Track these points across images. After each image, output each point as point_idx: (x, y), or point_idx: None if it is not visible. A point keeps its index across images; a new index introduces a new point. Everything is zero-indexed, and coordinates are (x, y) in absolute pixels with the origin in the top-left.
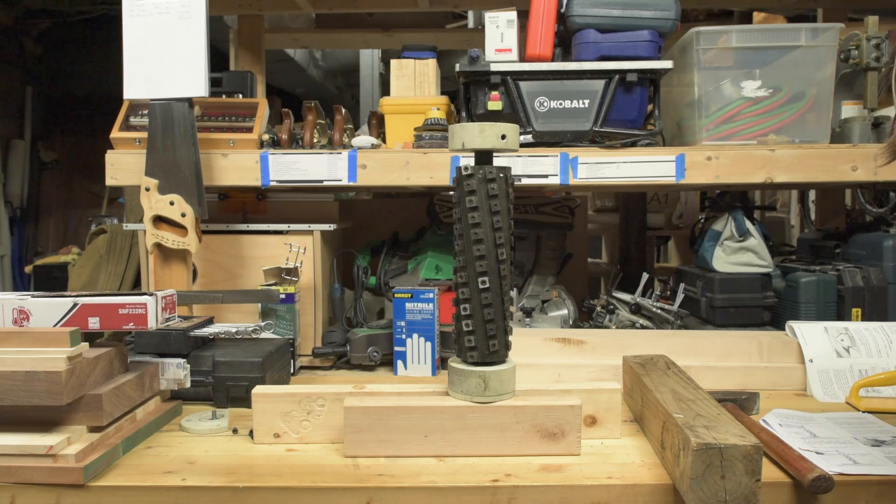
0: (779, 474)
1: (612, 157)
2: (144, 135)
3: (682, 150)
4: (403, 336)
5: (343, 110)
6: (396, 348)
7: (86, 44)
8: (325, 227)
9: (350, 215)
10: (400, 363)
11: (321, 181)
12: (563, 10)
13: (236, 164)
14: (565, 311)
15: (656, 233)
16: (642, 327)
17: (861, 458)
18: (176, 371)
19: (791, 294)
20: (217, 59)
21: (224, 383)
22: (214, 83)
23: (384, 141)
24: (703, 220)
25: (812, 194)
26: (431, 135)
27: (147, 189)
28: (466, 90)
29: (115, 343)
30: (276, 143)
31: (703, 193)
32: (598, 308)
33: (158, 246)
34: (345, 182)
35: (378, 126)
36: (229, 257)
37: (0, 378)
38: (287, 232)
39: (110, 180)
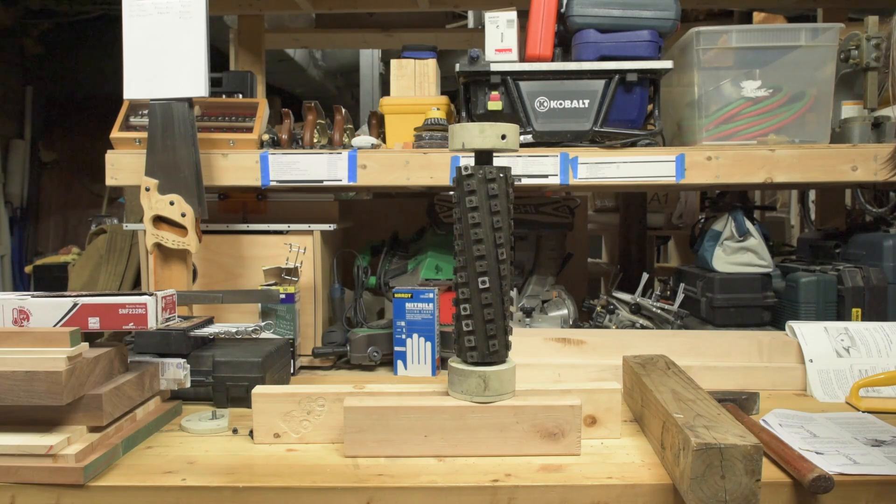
0: (779, 474)
1: (612, 157)
2: (144, 135)
3: (682, 150)
4: (403, 336)
5: (343, 110)
6: (396, 348)
7: (86, 44)
8: (325, 227)
9: (350, 215)
10: (400, 363)
11: (321, 181)
12: (563, 10)
13: (236, 164)
14: (565, 311)
15: (656, 233)
16: (642, 327)
17: (861, 458)
18: (176, 371)
19: (791, 294)
20: (217, 59)
21: (224, 383)
22: (214, 83)
23: (384, 141)
24: (703, 220)
25: (812, 194)
26: (431, 135)
27: (147, 189)
28: (466, 90)
29: (115, 343)
30: (276, 143)
31: (703, 193)
32: (598, 308)
33: (158, 246)
34: (345, 182)
35: (378, 126)
36: (229, 257)
37: (0, 378)
38: (287, 232)
39: (110, 180)
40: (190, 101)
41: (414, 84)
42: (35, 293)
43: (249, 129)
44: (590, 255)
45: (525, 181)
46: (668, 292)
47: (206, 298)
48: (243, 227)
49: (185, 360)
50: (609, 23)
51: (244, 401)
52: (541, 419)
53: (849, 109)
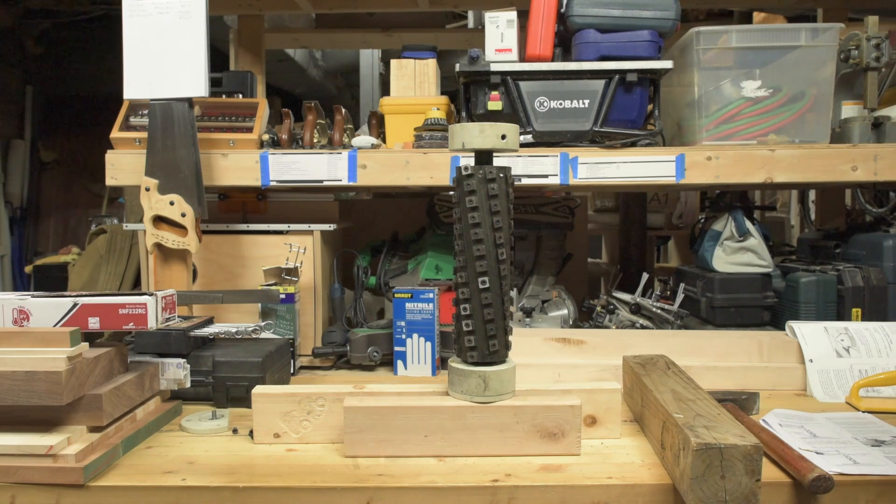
0: (779, 474)
1: (612, 157)
2: (144, 135)
3: (682, 150)
4: (403, 336)
5: (343, 110)
6: (396, 348)
7: (86, 44)
8: (325, 227)
9: (350, 215)
10: (400, 363)
11: (321, 181)
12: (563, 10)
13: (236, 164)
14: (565, 311)
15: (656, 233)
16: (642, 327)
17: (861, 458)
18: (176, 371)
19: (791, 294)
20: (217, 59)
21: (224, 383)
22: (214, 83)
23: (384, 141)
24: (703, 220)
25: (812, 194)
26: (431, 135)
27: (147, 189)
28: (466, 90)
29: (115, 343)
30: (276, 143)
31: (703, 193)
32: (598, 308)
33: (158, 246)
34: (345, 182)
35: (378, 126)
36: (229, 257)
37: (0, 378)
38: (287, 232)
39: (110, 180)
40: (190, 101)
41: (414, 84)
42: (35, 293)
43: (249, 129)
44: (590, 255)
45: (525, 181)
46: (668, 292)
47: (206, 298)
48: (243, 227)
49: (185, 360)
50: (609, 23)
51: (244, 401)
52: (541, 419)
53: (849, 109)
